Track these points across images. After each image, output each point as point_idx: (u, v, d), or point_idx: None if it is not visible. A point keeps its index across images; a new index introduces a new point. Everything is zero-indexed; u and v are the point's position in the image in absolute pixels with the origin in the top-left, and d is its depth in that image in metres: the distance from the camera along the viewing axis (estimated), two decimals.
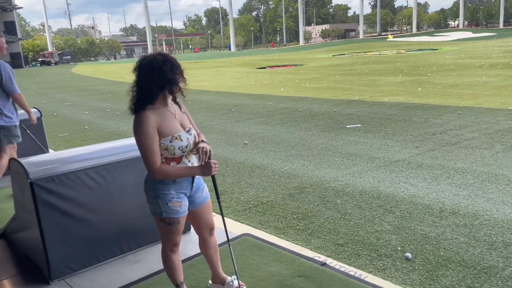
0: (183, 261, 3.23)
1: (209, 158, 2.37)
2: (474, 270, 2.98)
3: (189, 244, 3.52)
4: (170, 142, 2.30)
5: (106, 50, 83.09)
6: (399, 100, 10.88)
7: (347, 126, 8.15)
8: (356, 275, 2.94)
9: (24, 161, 3.04)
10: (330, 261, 3.17)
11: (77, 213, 3.11)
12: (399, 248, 3.35)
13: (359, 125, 8.19)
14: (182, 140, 2.34)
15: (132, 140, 3.77)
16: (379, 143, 6.72)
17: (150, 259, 3.33)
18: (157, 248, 3.49)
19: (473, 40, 52.83)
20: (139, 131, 2.24)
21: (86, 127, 10.15)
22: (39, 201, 2.95)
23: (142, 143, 2.25)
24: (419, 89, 12.81)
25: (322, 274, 2.90)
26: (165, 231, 2.48)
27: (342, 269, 3.03)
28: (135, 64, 2.32)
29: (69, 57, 72.06)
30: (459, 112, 8.76)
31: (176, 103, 2.44)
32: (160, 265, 3.21)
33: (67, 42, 78.71)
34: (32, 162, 3.08)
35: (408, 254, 3.20)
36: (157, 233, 3.62)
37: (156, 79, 2.24)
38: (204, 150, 2.37)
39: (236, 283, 2.74)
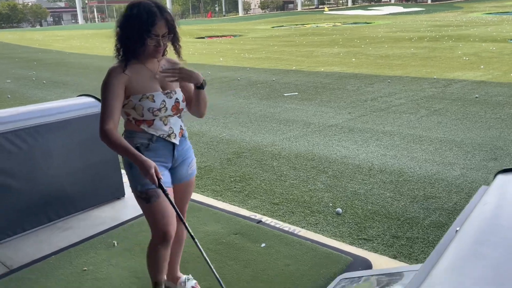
0: (116, 226, 3.15)
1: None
2: (398, 221, 3.21)
3: (124, 209, 3.44)
4: (139, 100, 1.98)
5: (30, 16, 76.40)
6: (334, 70, 11.18)
7: (285, 94, 8.26)
8: (290, 230, 3.04)
9: None
10: (265, 219, 3.25)
11: None
12: (331, 204, 3.50)
13: (296, 93, 8.33)
14: (154, 101, 2.00)
15: (58, 103, 3.55)
16: (315, 109, 6.90)
17: (81, 225, 3.21)
18: (88, 215, 3.38)
19: (404, 14, 55.09)
20: (103, 83, 1.97)
21: (9, 96, 9.39)
22: None
23: (102, 95, 1.97)
24: (353, 59, 13.23)
25: (258, 231, 2.97)
26: (148, 213, 2.05)
27: (277, 226, 3.13)
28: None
29: None
30: (389, 81, 9.19)
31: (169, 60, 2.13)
32: (93, 231, 3.11)
33: None
34: None
35: (339, 209, 3.37)
36: (88, 199, 3.49)
37: (136, 31, 1.91)
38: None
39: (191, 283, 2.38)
